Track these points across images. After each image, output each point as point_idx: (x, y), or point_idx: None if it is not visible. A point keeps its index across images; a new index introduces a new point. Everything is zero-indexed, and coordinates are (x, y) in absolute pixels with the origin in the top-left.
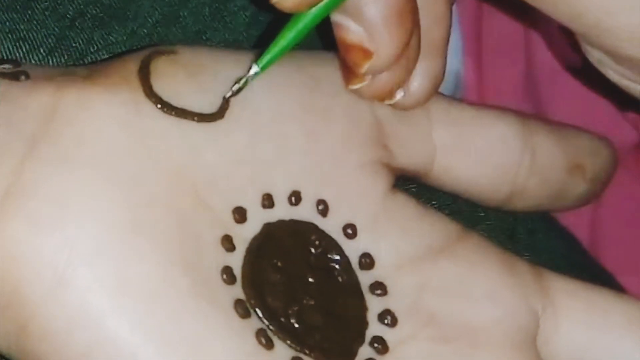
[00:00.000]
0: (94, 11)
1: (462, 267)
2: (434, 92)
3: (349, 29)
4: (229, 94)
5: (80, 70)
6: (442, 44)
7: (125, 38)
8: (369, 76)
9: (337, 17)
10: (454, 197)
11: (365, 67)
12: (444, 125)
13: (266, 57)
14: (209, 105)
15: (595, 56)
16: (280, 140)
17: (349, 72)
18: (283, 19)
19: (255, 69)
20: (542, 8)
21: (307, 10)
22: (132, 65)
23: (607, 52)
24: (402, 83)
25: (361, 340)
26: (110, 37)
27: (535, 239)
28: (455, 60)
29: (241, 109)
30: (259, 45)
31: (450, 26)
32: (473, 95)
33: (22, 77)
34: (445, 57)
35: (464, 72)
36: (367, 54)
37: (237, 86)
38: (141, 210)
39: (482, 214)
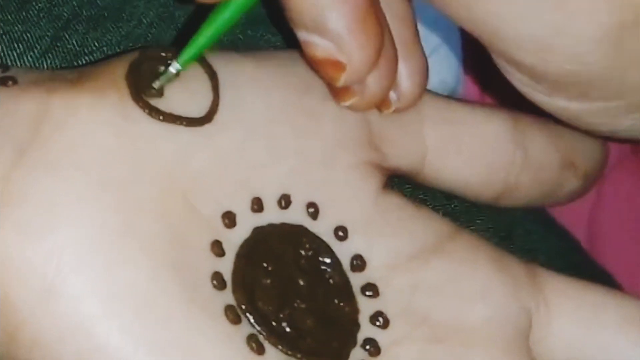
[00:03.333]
0: (89, 12)
1: (454, 266)
2: (424, 88)
3: (316, 45)
4: (150, 92)
5: (69, 74)
6: (414, 39)
7: (120, 39)
8: (358, 89)
9: (301, 35)
10: (449, 198)
11: (342, 80)
12: (435, 124)
13: (186, 54)
14: (197, 108)
15: (500, 64)
16: (270, 144)
17: (337, 90)
18: (202, 13)
19: (175, 66)
20: (444, 13)
21: (225, 3)
22: (120, 69)
23: (507, 60)
24: (392, 88)
25: (353, 343)
26: (105, 38)
27: (532, 239)
28: (451, 77)
29: (230, 112)
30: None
31: (414, 20)
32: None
33: (10, 83)
34: (423, 51)
35: (462, 88)
36: (340, 66)
37: (158, 83)
38: (131, 215)
39: (478, 215)
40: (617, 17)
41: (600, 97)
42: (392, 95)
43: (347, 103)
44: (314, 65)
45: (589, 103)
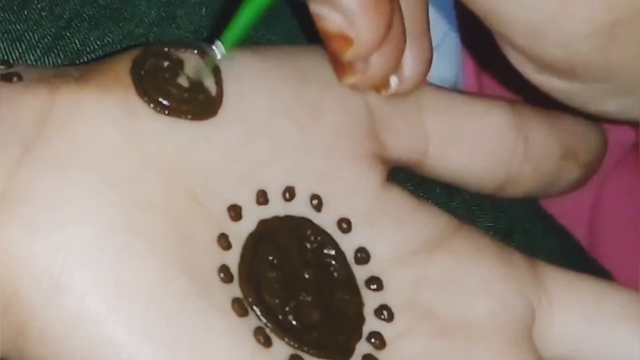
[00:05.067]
0: (90, 12)
1: (458, 260)
2: (426, 74)
3: (328, 18)
4: (200, 77)
5: (73, 71)
6: (424, 26)
7: (121, 38)
8: (360, 67)
9: (314, 7)
10: (450, 195)
11: (348, 54)
12: (436, 115)
13: (230, 37)
14: (202, 102)
15: (497, 39)
16: (273, 136)
17: (341, 67)
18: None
19: (220, 50)
20: None
21: None
22: (124, 65)
23: (502, 38)
24: (394, 71)
25: (358, 336)
26: (107, 38)
27: (532, 238)
28: (451, 74)
29: (234, 105)
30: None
31: (427, 8)
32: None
33: (15, 79)
34: (430, 39)
35: (462, 77)
36: (348, 41)
37: (206, 70)
38: (137, 211)
39: (479, 213)
40: (611, 13)
41: (587, 79)
42: (394, 78)
43: (349, 81)
44: (323, 37)
45: (577, 83)
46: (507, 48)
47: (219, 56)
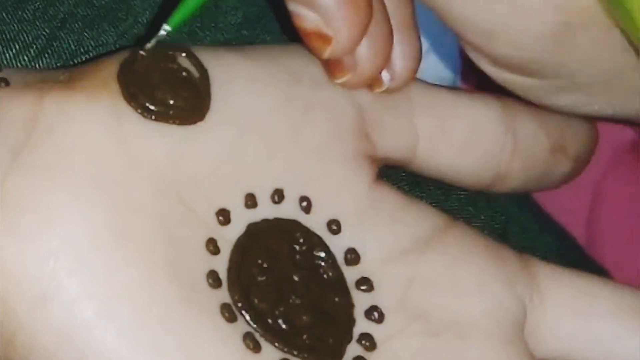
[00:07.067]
0: (85, 12)
1: (449, 258)
2: (417, 68)
3: (305, 17)
4: (142, 52)
5: (61, 75)
6: (412, 20)
7: (116, 39)
8: (350, 66)
9: (291, 6)
10: (446, 194)
11: (327, 52)
12: (425, 112)
13: (176, 16)
14: (189, 107)
15: (456, 35)
16: (262, 139)
17: (331, 66)
18: None
19: (165, 28)
20: None
21: None
22: (111, 69)
23: (456, 33)
24: (385, 67)
25: (349, 338)
26: (101, 38)
27: (528, 236)
28: (448, 73)
29: (222, 109)
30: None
31: (412, 1)
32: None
33: (2, 84)
34: (418, 32)
35: (462, 77)
36: (326, 39)
37: (148, 45)
38: (125, 217)
39: (474, 212)
40: (563, 18)
41: (539, 75)
42: (385, 74)
43: (341, 80)
44: (301, 36)
45: (529, 78)
46: (462, 42)
47: (163, 33)
